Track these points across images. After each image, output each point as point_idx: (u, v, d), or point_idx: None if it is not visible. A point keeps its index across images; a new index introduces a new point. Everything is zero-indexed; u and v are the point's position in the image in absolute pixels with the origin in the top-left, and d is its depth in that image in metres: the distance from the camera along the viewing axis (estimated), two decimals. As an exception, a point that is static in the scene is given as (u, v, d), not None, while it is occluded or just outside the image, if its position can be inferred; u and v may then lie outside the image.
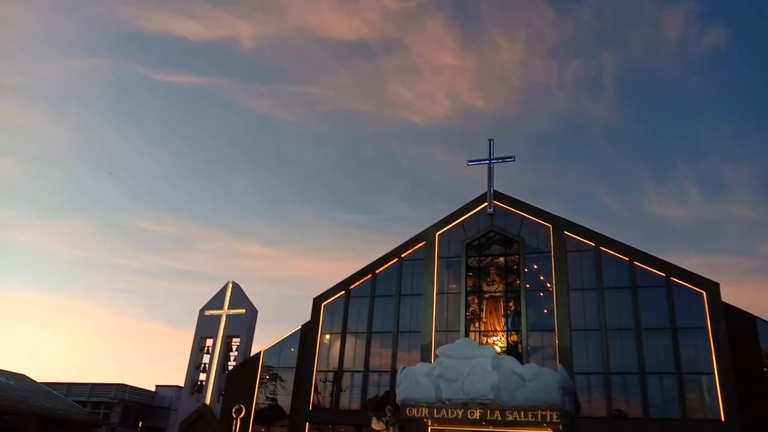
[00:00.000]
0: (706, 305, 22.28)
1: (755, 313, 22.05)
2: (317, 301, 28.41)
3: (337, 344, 27.35)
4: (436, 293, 26.46)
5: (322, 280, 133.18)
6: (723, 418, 20.60)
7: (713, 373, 21.27)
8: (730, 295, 22.93)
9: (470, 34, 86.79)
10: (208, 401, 34.41)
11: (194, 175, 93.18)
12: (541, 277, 25.26)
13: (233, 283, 37.35)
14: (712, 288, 22.48)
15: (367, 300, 27.64)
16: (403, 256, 27.91)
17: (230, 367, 33.38)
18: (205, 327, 36.65)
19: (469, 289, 26.17)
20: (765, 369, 21.41)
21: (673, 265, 23.50)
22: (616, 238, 24.74)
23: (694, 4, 74.38)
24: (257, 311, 36.87)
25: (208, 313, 36.88)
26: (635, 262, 23.90)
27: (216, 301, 37.06)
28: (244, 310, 36.44)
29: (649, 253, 23.85)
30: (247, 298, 36.87)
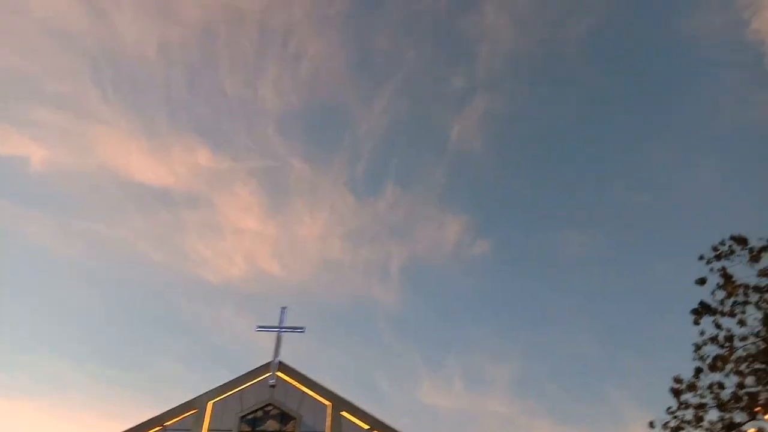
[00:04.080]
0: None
1: None
2: (48, 473, 23.70)
3: None
4: (198, 471, 23.78)
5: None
6: None
7: None
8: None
9: (276, 204, 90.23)
10: None
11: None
12: (313, 460, 24.27)
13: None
14: (471, 481, 23.40)
15: (113, 475, 23.80)
16: (167, 424, 25.05)
17: None
18: None
19: (235, 468, 24.00)
20: None
21: (439, 455, 24.23)
22: (389, 423, 25.13)
23: (469, 217, 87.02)
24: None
25: None
26: (405, 450, 24.25)
27: None
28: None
29: (419, 441, 24.49)
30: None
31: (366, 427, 24.86)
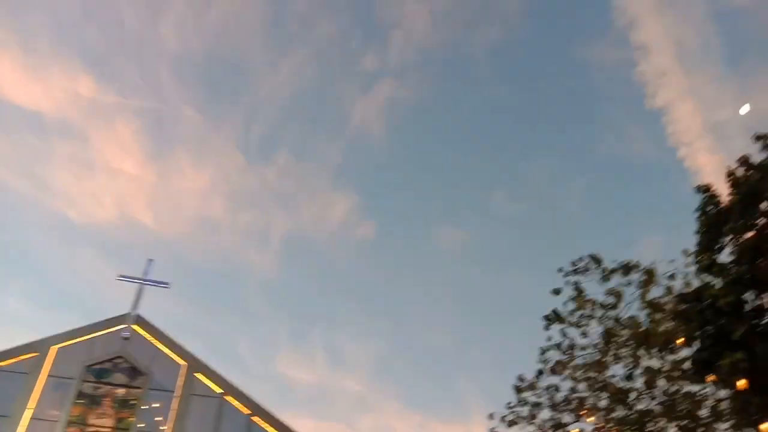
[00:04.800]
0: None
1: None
2: None
3: None
4: (30, 418, 22.27)
5: None
6: None
7: None
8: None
9: (159, 151, 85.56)
10: None
11: None
12: (158, 418, 23.46)
13: None
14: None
15: (-73, 414, 21.67)
16: (2, 365, 23.21)
17: None
18: None
19: (72, 419, 22.72)
20: None
21: (289, 428, 24.23)
22: (245, 390, 24.79)
23: (358, 198, 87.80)
24: None
25: None
26: (254, 418, 24.03)
27: None
28: None
29: (271, 412, 24.33)
30: None
31: (219, 390, 24.43)
